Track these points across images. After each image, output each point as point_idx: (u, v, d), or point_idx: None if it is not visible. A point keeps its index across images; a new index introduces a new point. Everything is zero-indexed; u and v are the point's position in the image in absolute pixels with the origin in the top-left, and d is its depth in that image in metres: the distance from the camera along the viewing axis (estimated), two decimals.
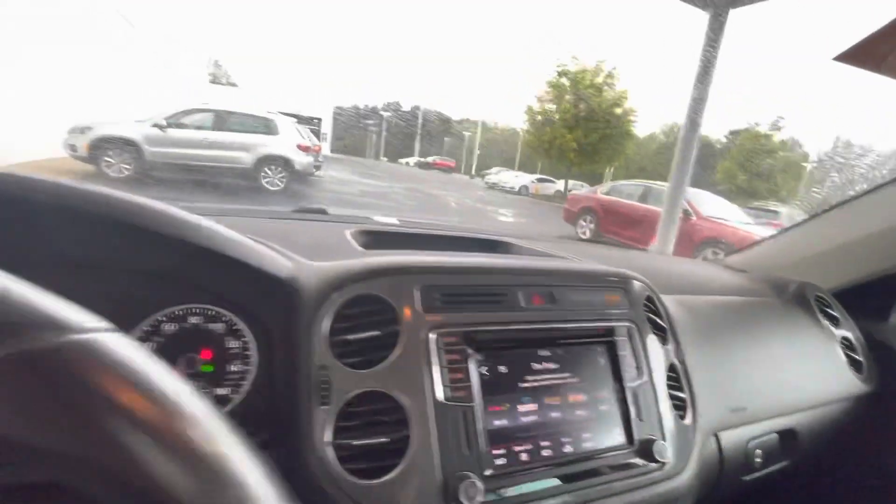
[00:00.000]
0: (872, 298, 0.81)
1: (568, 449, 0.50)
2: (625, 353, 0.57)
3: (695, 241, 5.70)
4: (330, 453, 0.41)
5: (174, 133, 5.65)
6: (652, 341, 0.60)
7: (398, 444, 0.43)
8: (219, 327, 0.48)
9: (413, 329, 0.46)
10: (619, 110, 14.86)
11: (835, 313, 0.79)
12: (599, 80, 14.93)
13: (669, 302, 0.66)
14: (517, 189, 16.21)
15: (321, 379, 0.43)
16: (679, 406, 0.59)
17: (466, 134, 26.98)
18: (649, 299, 0.63)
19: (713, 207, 6.51)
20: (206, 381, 0.47)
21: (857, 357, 0.76)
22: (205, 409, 0.19)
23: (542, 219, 10.62)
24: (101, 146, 5.16)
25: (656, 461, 0.53)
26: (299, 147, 6.41)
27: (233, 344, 0.49)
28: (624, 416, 0.55)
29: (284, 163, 6.24)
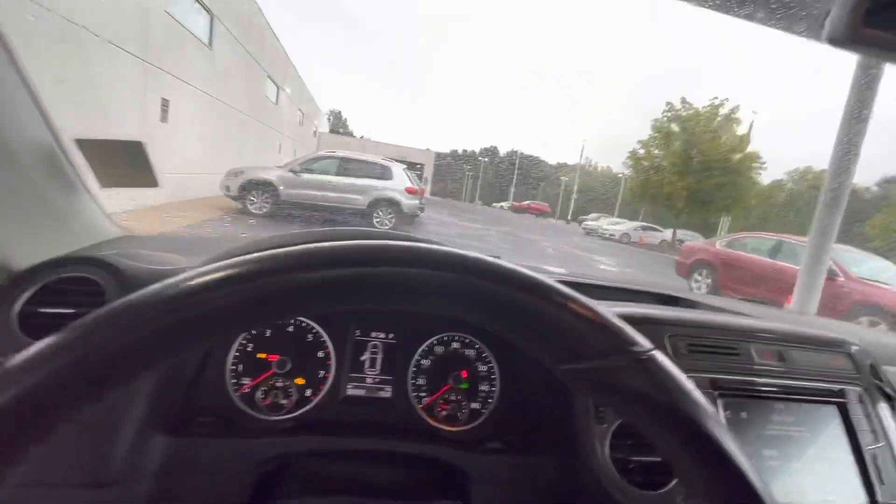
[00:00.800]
0: None
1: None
2: (858, 417, 0.58)
3: (842, 305, 4.88)
4: (610, 464, 0.48)
5: (305, 177, 6.47)
6: (883, 408, 0.61)
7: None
8: (471, 353, 0.60)
9: None
10: (737, 156, 13.63)
11: None
12: (714, 124, 13.95)
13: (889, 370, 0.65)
14: (618, 236, 15.43)
15: (598, 405, 0.51)
16: None
17: (563, 179, 26.71)
18: (873, 366, 0.64)
19: (866, 267, 5.55)
20: (462, 395, 0.58)
21: None
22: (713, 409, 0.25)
23: (647, 269, 9.92)
24: (248, 187, 6.10)
25: None
26: (408, 190, 6.91)
27: (481, 367, 0.60)
28: (864, 477, 0.55)
29: (394, 204, 6.75)
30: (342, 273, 0.23)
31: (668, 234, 15.60)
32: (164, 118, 5.78)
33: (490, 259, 0.25)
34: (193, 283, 0.21)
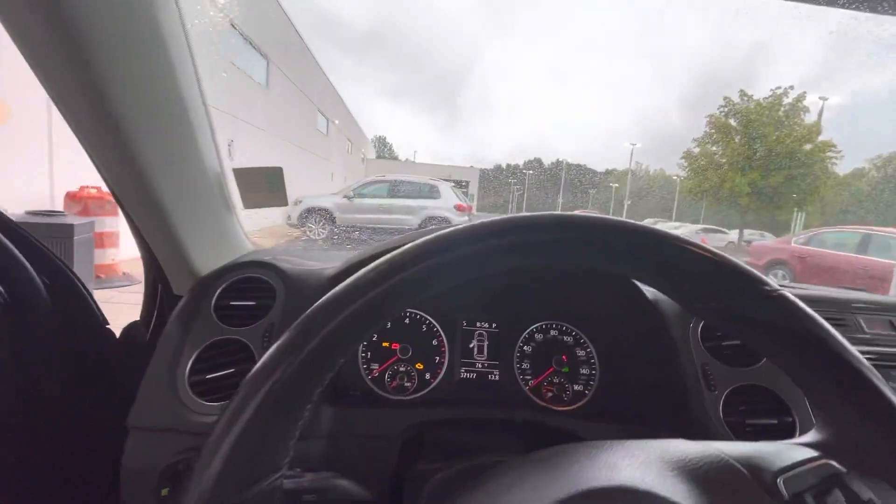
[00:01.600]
0: None
1: None
2: None
3: None
4: (726, 428, 0.49)
5: (357, 201, 6.76)
6: None
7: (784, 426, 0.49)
8: (570, 339, 0.65)
9: None
10: (808, 146, 12.62)
11: None
12: (779, 114, 13.05)
13: None
14: None
15: (706, 371, 0.53)
16: None
17: (613, 185, 25.91)
18: None
19: None
20: (564, 378, 0.62)
21: None
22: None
23: None
24: (307, 215, 6.47)
25: None
26: (457, 207, 7.04)
27: (580, 352, 0.64)
28: None
29: (445, 222, 6.91)
30: (524, 238, 0.27)
31: (734, 235, 14.64)
32: (230, 155, 6.33)
33: (630, 222, 0.29)
34: (372, 272, 0.26)
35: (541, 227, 0.27)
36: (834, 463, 0.24)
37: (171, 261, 0.57)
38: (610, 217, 0.29)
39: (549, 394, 0.62)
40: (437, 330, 0.63)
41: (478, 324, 0.64)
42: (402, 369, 0.61)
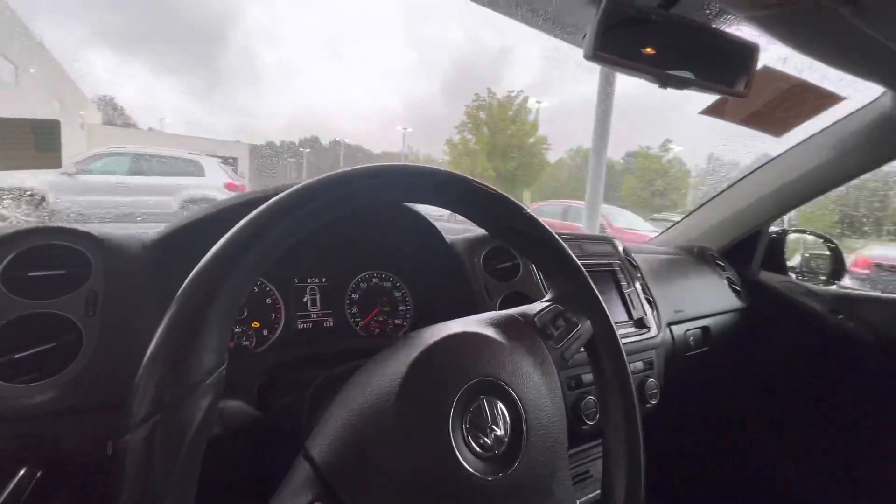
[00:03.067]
0: (741, 252, 1.22)
1: None
2: (621, 277, 0.94)
3: None
4: None
5: (84, 179, 5.29)
6: (634, 272, 0.98)
7: None
8: (388, 285, 0.78)
9: None
10: (531, 139, 16.29)
11: (721, 263, 1.18)
12: (511, 112, 16.29)
13: (636, 255, 1.02)
14: (446, 217, 16.79)
15: (487, 287, 0.74)
16: (650, 303, 0.95)
17: None
18: (626, 251, 1.00)
19: (624, 220, 7.45)
20: (387, 315, 0.76)
21: (736, 288, 1.15)
22: None
23: None
24: None
25: (644, 327, 0.90)
26: (227, 187, 6.28)
27: (397, 294, 0.78)
28: (625, 307, 0.91)
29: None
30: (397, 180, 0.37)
31: None
32: None
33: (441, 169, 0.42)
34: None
35: (390, 173, 0.37)
36: (559, 305, 0.44)
37: None
38: (433, 167, 0.41)
39: (377, 330, 0.74)
40: (271, 289, 0.67)
41: (308, 280, 0.71)
42: (237, 329, 0.63)
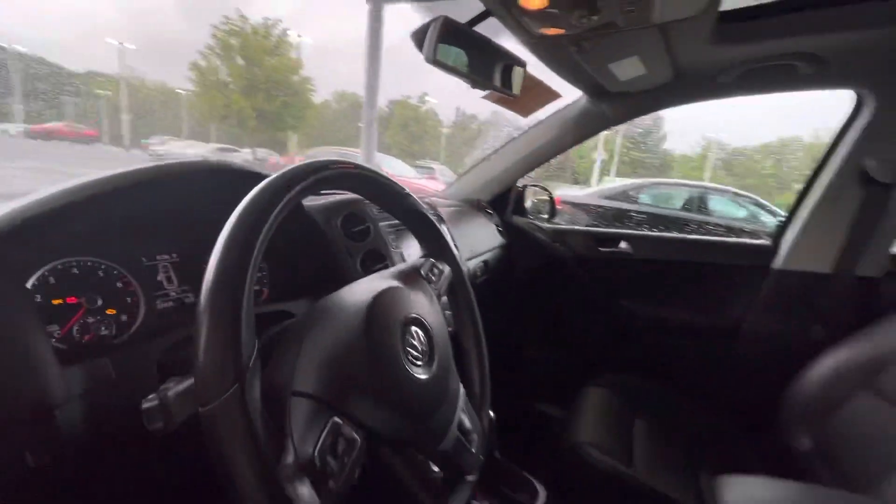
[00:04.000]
0: (501, 202, 1.65)
1: None
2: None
3: None
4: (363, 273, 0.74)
5: None
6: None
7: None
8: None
9: None
10: (296, 77, 15.08)
11: (490, 211, 1.57)
12: (271, 42, 14.57)
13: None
14: None
15: (347, 248, 0.82)
16: (455, 245, 1.19)
17: (102, 93, 20.88)
18: (431, 204, 1.21)
19: (393, 168, 8.04)
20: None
21: (500, 229, 1.57)
22: None
23: None
24: None
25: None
26: None
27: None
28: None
29: None
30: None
31: (246, 153, 15.84)
32: None
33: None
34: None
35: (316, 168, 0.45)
36: (431, 259, 0.61)
37: None
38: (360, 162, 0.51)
39: None
40: (119, 272, 0.60)
41: (157, 257, 0.66)
42: (92, 320, 0.55)
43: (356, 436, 0.38)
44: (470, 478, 0.54)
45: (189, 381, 0.34)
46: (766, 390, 1.12)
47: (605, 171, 9.34)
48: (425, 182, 7.74)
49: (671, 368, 1.42)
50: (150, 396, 0.33)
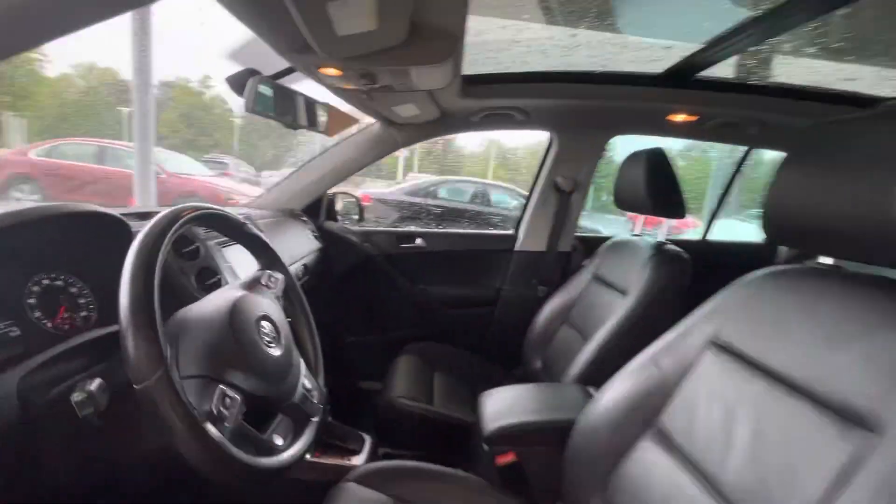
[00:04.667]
0: (315, 209, 1.83)
1: None
2: None
3: (172, 197, 6.07)
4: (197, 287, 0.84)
5: None
6: None
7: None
8: (60, 283, 0.76)
9: None
10: None
11: (305, 218, 1.74)
12: None
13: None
14: None
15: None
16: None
17: None
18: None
19: (177, 163, 7.00)
20: (72, 311, 0.76)
21: (316, 234, 1.76)
22: None
23: None
24: None
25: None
26: None
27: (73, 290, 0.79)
28: None
29: None
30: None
31: None
32: None
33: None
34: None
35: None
36: (268, 270, 0.80)
37: None
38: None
39: (67, 326, 0.76)
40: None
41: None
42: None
43: (237, 395, 0.57)
44: (314, 419, 0.76)
45: (98, 380, 0.48)
46: (515, 336, 1.64)
47: (408, 167, 10.18)
48: (218, 180, 7.06)
49: (456, 333, 1.86)
50: (76, 393, 0.46)
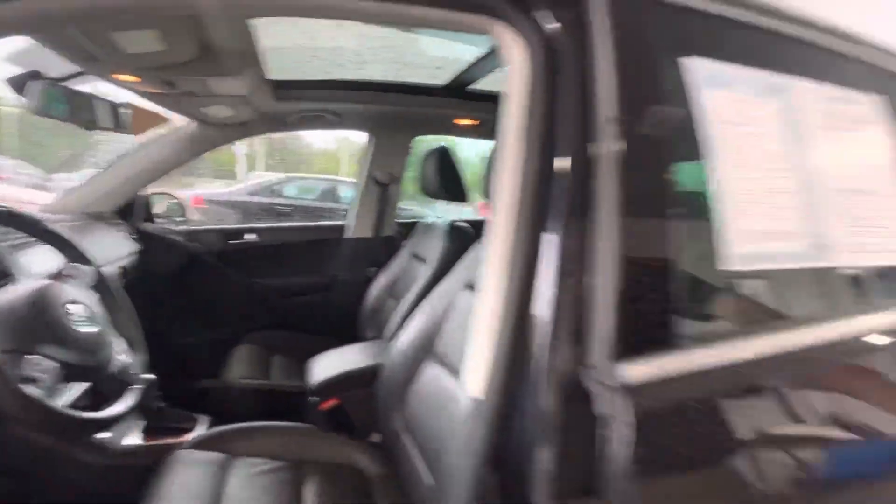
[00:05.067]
0: (129, 210, 1.74)
1: None
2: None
3: None
4: None
5: None
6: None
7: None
8: None
9: None
10: None
11: (116, 221, 1.66)
12: None
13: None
14: None
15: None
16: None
17: None
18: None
19: None
20: None
21: (133, 236, 1.69)
22: None
23: None
24: None
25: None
26: None
27: None
28: None
29: None
30: None
31: None
32: None
33: None
34: None
35: None
36: (72, 263, 0.86)
37: None
38: None
39: None
40: None
41: None
42: None
43: (52, 363, 0.67)
44: (135, 387, 0.86)
45: None
46: (351, 315, 1.85)
47: (251, 166, 9.50)
48: None
49: (295, 318, 2.00)
50: None
